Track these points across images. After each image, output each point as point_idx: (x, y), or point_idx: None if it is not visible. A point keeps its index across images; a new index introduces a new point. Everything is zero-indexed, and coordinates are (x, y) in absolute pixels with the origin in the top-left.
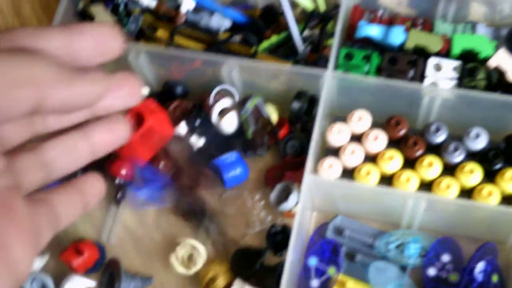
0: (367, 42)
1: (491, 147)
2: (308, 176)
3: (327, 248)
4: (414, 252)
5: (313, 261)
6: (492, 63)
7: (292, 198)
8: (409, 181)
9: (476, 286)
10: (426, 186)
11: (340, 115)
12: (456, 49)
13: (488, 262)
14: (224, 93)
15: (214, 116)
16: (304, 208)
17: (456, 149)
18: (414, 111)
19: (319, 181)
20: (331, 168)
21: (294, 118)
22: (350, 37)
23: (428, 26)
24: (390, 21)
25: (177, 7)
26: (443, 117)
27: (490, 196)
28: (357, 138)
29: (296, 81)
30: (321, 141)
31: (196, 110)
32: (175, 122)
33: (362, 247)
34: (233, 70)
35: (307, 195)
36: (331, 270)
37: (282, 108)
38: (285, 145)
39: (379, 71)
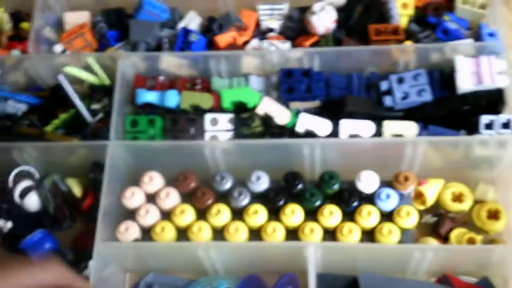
0: (152, 107)
1: (273, 187)
2: (99, 243)
3: None
4: None
5: None
6: (260, 110)
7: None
8: (201, 231)
9: None
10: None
11: (135, 178)
12: (226, 103)
13: None
14: (23, 175)
15: (16, 198)
16: (98, 274)
17: (240, 194)
18: (202, 164)
19: (111, 246)
20: (128, 230)
21: (95, 188)
22: (135, 105)
23: (207, 84)
24: (171, 84)
25: None
26: (228, 165)
27: (275, 233)
28: (151, 198)
29: (88, 153)
30: (118, 206)
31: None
32: None
33: None
34: (24, 152)
35: (101, 261)
36: None
37: (87, 180)
38: (93, 214)
39: (164, 133)
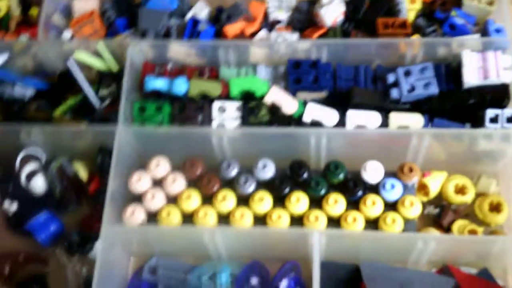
0: (159, 94)
1: (279, 175)
2: (105, 226)
3: None
4: (225, 280)
5: None
6: (268, 100)
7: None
8: (207, 216)
9: None
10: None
11: (142, 163)
12: (235, 91)
13: (291, 278)
14: (30, 157)
15: (23, 180)
16: (104, 256)
17: (246, 181)
18: (209, 151)
19: (118, 229)
20: (134, 214)
21: (102, 172)
22: (143, 91)
23: (214, 73)
24: (179, 72)
25: None
26: (235, 152)
27: (280, 219)
28: (158, 183)
29: (95, 138)
30: (125, 190)
31: (6, 176)
32: None
33: (177, 282)
34: (31, 135)
35: (107, 244)
36: None
37: (93, 164)
38: (98, 197)
39: (172, 119)
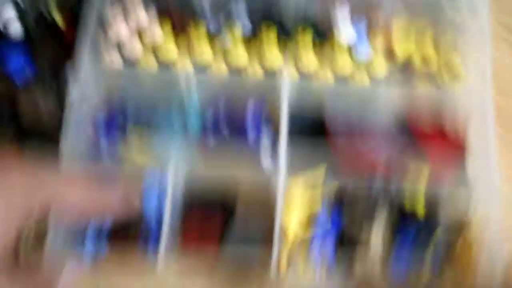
0: None
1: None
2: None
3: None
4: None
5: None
6: None
7: None
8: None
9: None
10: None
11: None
12: None
13: (257, 104)
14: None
15: (1, 24)
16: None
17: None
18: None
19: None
20: (111, 58)
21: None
22: None
23: None
24: None
25: None
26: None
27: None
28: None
29: None
30: (103, 37)
31: None
32: None
33: (147, 113)
34: None
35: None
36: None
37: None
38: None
39: None
